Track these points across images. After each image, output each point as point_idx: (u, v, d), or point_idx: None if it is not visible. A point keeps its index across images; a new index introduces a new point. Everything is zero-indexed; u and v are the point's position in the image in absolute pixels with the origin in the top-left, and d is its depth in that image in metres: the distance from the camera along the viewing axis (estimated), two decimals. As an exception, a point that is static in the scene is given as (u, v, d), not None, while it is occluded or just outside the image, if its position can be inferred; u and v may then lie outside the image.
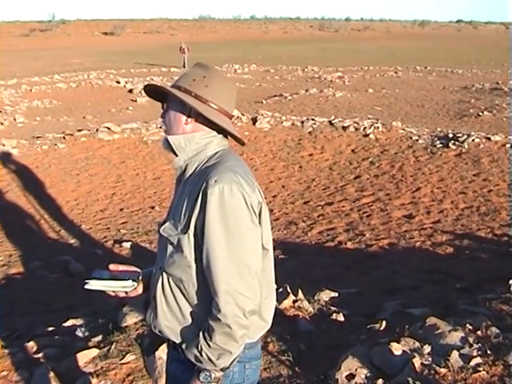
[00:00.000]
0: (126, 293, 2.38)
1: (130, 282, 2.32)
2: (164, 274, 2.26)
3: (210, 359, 2.11)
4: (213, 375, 2.15)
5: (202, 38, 78.31)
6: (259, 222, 2.19)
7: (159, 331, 2.35)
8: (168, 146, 2.29)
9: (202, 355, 2.12)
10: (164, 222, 2.31)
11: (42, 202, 11.46)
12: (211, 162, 2.22)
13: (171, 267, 2.22)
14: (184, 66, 36.75)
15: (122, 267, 2.40)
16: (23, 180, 12.53)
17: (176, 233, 2.20)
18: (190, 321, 2.24)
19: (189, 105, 2.22)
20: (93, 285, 2.28)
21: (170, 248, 2.23)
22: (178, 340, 2.30)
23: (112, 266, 2.38)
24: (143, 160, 14.21)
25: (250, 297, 2.10)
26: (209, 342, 2.10)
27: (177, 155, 2.30)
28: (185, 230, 2.16)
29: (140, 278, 2.39)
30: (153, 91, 2.39)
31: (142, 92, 25.09)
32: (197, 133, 2.27)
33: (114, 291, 2.36)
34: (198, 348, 2.13)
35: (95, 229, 10.11)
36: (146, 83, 2.46)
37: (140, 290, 2.42)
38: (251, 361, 2.34)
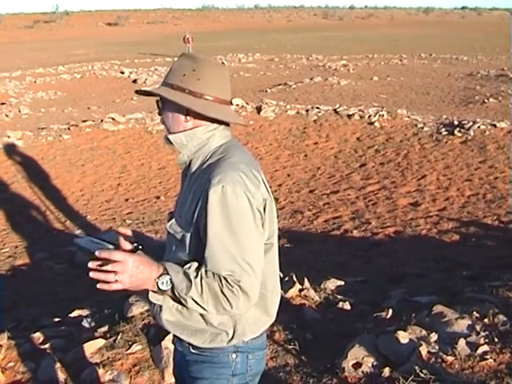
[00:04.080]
0: None
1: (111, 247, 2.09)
2: None
3: (182, 280, 2.01)
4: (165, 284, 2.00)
5: (206, 28, 78.16)
6: (264, 218, 2.17)
7: (162, 325, 2.32)
8: (170, 143, 2.27)
9: (180, 275, 2.03)
10: (171, 218, 2.29)
11: (47, 193, 11.48)
12: (215, 157, 2.19)
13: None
14: (188, 56, 36.67)
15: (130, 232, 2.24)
16: (28, 171, 12.55)
17: (181, 230, 2.18)
18: (194, 317, 2.21)
19: (185, 107, 2.18)
20: (79, 242, 2.14)
21: (175, 244, 2.23)
22: (182, 335, 2.28)
23: (122, 229, 2.23)
24: (148, 150, 14.20)
25: (250, 296, 2.07)
26: (203, 279, 2.02)
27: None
28: (188, 228, 2.14)
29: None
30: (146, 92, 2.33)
31: (147, 82, 25.27)
32: (197, 128, 2.23)
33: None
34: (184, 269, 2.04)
35: (100, 219, 10.12)
36: (136, 89, 2.41)
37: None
38: (254, 351, 2.31)
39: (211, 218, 2.03)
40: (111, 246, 2.08)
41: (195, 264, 2.07)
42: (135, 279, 1.91)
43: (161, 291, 2.00)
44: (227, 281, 2.02)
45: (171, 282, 1.99)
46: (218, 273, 2.04)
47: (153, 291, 2.04)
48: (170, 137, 2.25)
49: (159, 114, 2.31)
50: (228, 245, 2.04)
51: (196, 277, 2.01)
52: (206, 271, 2.04)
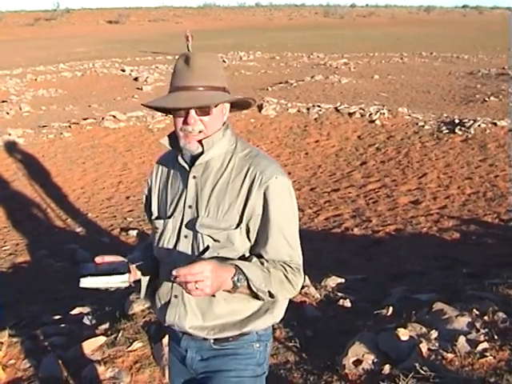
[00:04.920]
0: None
1: (126, 277, 2.13)
2: None
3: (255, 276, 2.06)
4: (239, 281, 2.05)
5: (207, 26, 78.21)
6: None
7: (185, 331, 2.28)
8: (199, 147, 2.18)
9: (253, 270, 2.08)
10: (192, 219, 2.21)
11: (48, 191, 11.49)
12: (239, 153, 2.21)
13: None
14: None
15: (107, 258, 2.22)
16: (29, 169, 12.56)
17: (222, 228, 2.15)
18: (224, 314, 2.22)
19: (236, 101, 2.28)
20: (87, 283, 2.12)
21: (211, 244, 2.17)
22: (208, 335, 2.26)
23: (98, 259, 2.19)
24: (149, 148, 14.20)
25: (302, 276, 2.22)
26: (270, 269, 2.11)
27: (193, 155, 2.21)
28: (236, 225, 2.15)
29: (126, 268, 2.19)
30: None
31: (148, 80, 25.17)
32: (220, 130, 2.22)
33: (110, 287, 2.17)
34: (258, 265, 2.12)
35: (101, 217, 10.13)
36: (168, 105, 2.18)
37: (131, 279, 2.25)
38: (269, 339, 2.39)
39: (273, 209, 2.13)
40: (118, 276, 2.12)
41: (254, 257, 2.15)
42: (216, 283, 1.95)
43: (234, 288, 2.04)
44: (290, 266, 2.16)
45: (245, 277, 2.03)
46: (280, 260, 2.15)
47: (226, 290, 2.06)
48: (206, 140, 2.16)
49: (188, 122, 2.13)
50: (286, 232, 2.17)
51: (264, 267, 2.10)
52: (267, 261, 2.14)
